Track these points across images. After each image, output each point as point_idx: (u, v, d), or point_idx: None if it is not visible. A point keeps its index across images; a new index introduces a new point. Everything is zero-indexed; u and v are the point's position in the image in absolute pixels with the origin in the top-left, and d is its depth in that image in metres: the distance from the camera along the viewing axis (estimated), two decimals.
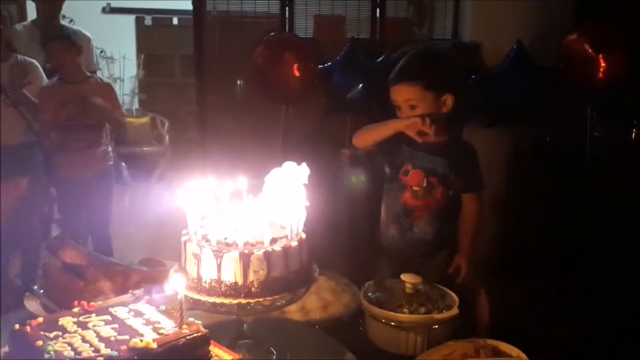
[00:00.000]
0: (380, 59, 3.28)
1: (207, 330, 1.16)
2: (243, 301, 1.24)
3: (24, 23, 3.78)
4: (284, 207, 1.34)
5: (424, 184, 1.98)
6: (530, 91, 3.01)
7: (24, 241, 3.34)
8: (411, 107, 1.94)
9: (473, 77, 3.17)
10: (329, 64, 3.33)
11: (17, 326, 1.10)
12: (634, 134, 3.13)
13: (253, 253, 1.24)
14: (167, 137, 6.24)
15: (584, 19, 3.09)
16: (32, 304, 1.63)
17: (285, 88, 3.20)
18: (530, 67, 3.05)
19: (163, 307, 1.24)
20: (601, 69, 2.80)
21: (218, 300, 1.25)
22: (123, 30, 6.58)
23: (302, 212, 1.34)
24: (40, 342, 1.04)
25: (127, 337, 1.09)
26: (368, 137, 2.08)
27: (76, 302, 1.23)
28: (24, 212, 3.25)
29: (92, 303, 1.23)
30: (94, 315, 1.18)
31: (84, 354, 1.02)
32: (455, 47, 3.41)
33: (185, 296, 1.23)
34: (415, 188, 1.99)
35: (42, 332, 1.09)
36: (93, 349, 1.05)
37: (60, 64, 3.07)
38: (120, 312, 1.21)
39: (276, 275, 1.26)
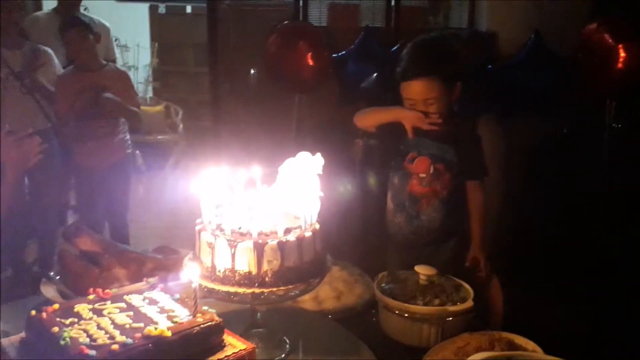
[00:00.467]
0: (395, 48, 3.25)
1: (221, 319, 1.17)
2: (257, 291, 1.24)
3: (45, 11, 3.79)
4: (298, 198, 1.34)
5: (431, 171, 1.97)
6: (547, 82, 2.97)
7: (41, 228, 3.38)
8: (429, 103, 1.92)
9: (489, 67, 3.12)
10: (343, 52, 3.31)
11: (33, 312, 1.11)
12: None
13: (267, 243, 1.24)
14: (180, 126, 6.27)
15: (602, 9, 3.03)
16: (48, 290, 1.65)
17: (299, 77, 3.18)
18: (548, 57, 3.00)
19: (177, 296, 1.24)
20: (620, 60, 2.74)
21: (232, 289, 1.25)
22: (137, 18, 6.59)
23: (316, 202, 1.34)
24: (56, 329, 1.06)
25: (141, 324, 1.10)
26: (369, 118, 2.10)
27: (91, 289, 1.24)
28: (40, 199, 3.28)
29: (107, 290, 1.24)
30: (109, 302, 1.19)
31: (99, 341, 1.03)
32: (471, 36, 3.37)
33: (200, 285, 1.23)
34: (422, 175, 1.98)
35: (58, 319, 1.10)
36: (108, 335, 1.05)
37: (76, 51, 3.08)
38: (135, 299, 1.22)
39: (290, 265, 1.26)
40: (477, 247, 1.99)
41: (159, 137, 6.10)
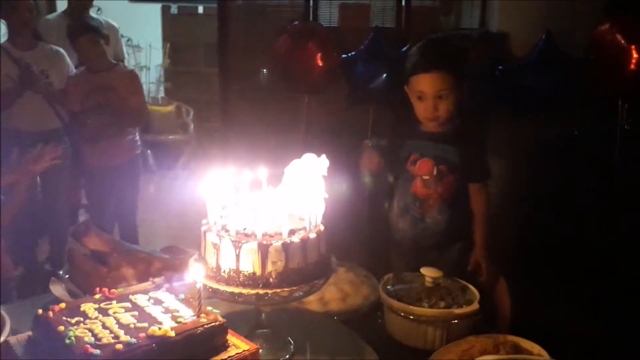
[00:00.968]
0: (405, 48, 3.24)
1: (224, 320, 1.18)
2: (261, 291, 1.24)
3: (56, 14, 3.83)
4: (303, 199, 1.34)
5: (434, 173, 1.96)
6: (558, 82, 2.94)
7: (52, 226, 3.42)
8: (439, 97, 1.91)
9: (500, 67, 3.10)
10: (353, 53, 3.31)
11: (40, 311, 1.13)
12: None
13: (271, 244, 1.25)
14: (191, 126, 6.31)
15: (614, 9, 2.99)
16: (57, 289, 1.66)
17: (308, 78, 3.18)
18: (560, 57, 2.97)
19: (182, 296, 1.25)
20: (633, 60, 2.71)
21: (236, 290, 1.25)
22: (149, 18, 6.63)
23: (321, 204, 1.34)
24: (62, 327, 1.07)
25: (146, 324, 1.11)
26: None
27: (98, 288, 1.26)
28: (52, 197, 3.32)
29: (113, 290, 1.26)
30: (114, 302, 1.21)
31: (104, 340, 1.04)
32: (482, 36, 3.35)
33: (204, 285, 1.24)
34: (425, 177, 1.97)
35: (64, 318, 1.12)
36: (113, 335, 1.07)
37: (88, 57, 3.11)
38: (141, 299, 1.23)
39: (294, 267, 1.27)
40: (479, 251, 1.97)
41: (170, 137, 6.14)
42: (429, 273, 1.60)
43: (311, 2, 3.60)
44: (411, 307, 1.51)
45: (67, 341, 1.02)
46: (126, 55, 4.59)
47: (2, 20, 3.30)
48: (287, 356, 1.38)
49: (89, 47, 3.07)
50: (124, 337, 1.05)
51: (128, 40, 6.40)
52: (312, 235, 1.30)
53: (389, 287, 1.63)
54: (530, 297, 2.15)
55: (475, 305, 1.53)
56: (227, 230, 1.29)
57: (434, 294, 1.57)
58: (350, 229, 2.80)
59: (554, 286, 2.65)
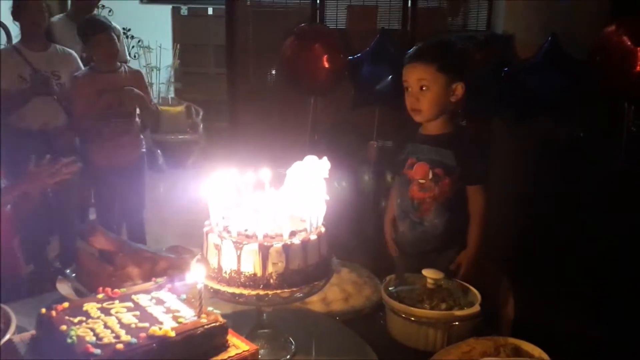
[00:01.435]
0: (411, 50, 3.24)
1: (225, 320, 1.19)
2: (261, 292, 1.26)
3: (58, 16, 3.87)
4: (304, 201, 1.35)
5: (430, 176, 1.96)
6: (564, 84, 2.93)
7: (62, 225, 3.45)
8: (421, 87, 1.92)
9: (505, 69, 3.09)
10: (359, 55, 3.31)
11: (43, 310, 1.15)
12: None
13: (272, 245, 1.26)
14: (201, 126, 6.34)
15: (620, 11, 2.97)
16: (63, 287, 1.69)
17: (314, 79, 3.19)
18: (565, 59, 2.95)
19: (184, 296, 1.27)
20: (639, 62, 2.69)
21: (237, 290, 1.27)
22: (160, 20, 6.68)
23: (322, 205, 1.35)
24: (64, 327, 1.09)
25: (147, 324, 1.13)
26: None
27: (101, 288, 1.28)
28: (62, 196, 3.36)
29: (116, 290, 1.28)
30: (117, 301, 1.23)
31: (105, 340, 1.06)
32: (487, 38, 3.34)
33: (206, 286, 1.26)
34: (422, 181, 1.98)
35: (67, 317, 1.14)
36: (114, 335, 1.08)
37: (104, 55, 3.13)
38: (143, 299, 1.25)
39: (294, 268, 1.28)
40: (467, 252, 1.97)
41: (180, 136, 6.18)
42: (430, 274, 1.60)
43: (318, 3, 3.61)
44: (412, 308, 1.51)
45: (69, 340, 1.04)
46: (128, 57, 4.62)
47: (16, 22, 3.34)
48: (288, 356, 1.40)
49: (105, 45, 3.09)
50: (124, 337, 1.07)
51: (139, 41, 6.46)
52: (313, 237, 1.31)
53: (391, 288, 1.64)
54: (532, 299, 2.15)
55: (476, 307, 1.53)
56: (228, 232, 1.31)
57: (435, 295, 1.57)
58: (354, 228, 2.82)
59: (556, 288, 2.64)
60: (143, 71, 5.46)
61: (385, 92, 3.11)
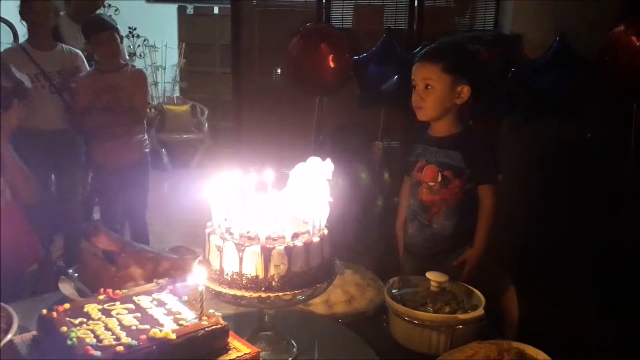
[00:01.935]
0: (417, 50, 3.23)
1: (226, 323, 1.18)
2: (263, 295, 1.25)
3: (60, 14, 3.87)
4: (307, 202, 1.34)
5: (439, 179, 1.96)
6: (572, 85, 2.91)
7: (65, 224, 3.46)
8: (426, 85, 1.93)
9: (513, 69, 3.07)
10: (365, 55, 3.30)
11: (44, 311, 1.14)
12: None
13: (274, 247, 1.25)
14: (206, 125, 6.36)
15: (629, 11, 2.94)
16: (66, 287, 1.69)
17: (320, 79, 3.19)
18: (573, 60, 2.93)
19: (185, 298, 1.26)
20: None
21: (239, 293, 1.26)
22: (166, 19, 6.70)
23: (325, 207, 1.34)
24: (64, 328, 1.08)
25: (148, 326, 1.12)
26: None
27: (102, 289, 1.27)
28: (66, 195, 3.37)
29: (118, 291, 1.27)
30: (118, 303, 1.22)
31: (105, 342, 1.05)
32: (495, 38, 3.32)
33: (207, 288, 1.25)
34: (431, 183, 1.98)
35: (67, 318, 1.13)
36: (114, 337, 1.08)
37: (107, 54, 3.14)
38: (144, 301, 1.24)
39: (297, 270, 1.27)
40: (472, 251, 1.96)
41: (185, 135, 6.20)
42: (434, 277, 1.59)
43: (324, 3, 3.59)
44: (415, 311, 1.50)
45: (69, 342, 1.03)
46: (127, 58, 4.62)
47: (23, 21, 3.35)
48: (290, 359, 1.39)
49: (109, 43, 3.10)
50: (125, 339, 1.06)
51: (144, 40, 6.48)
52: (316, 239, 1.30)
53: (394, 290, 1.62)
54: (537, 302, 2.13)
55: (480, 311, 1.51)
56: (230, 233, 1.30)
57: (439, 298, 1.56)
58: (359, 230, 2.81)
59: (562, 291, 2.62)
60: (148, 70, 5.50)
61: (391, 92, 3.10)
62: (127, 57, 4.62)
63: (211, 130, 6.32)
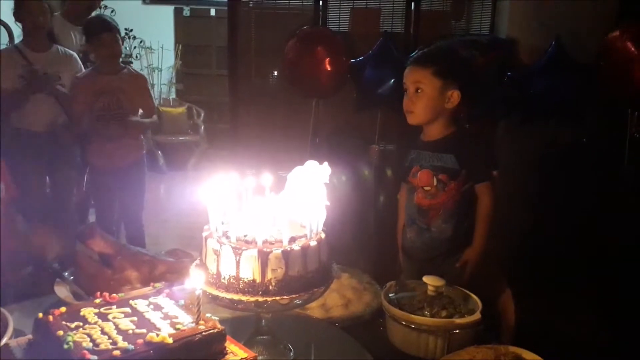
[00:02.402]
0: (414, 53, 3.23)
1: (223, 327, 1.18)
2: (260, 299, 1.24)
3: (55, 15, 3.86)
4: (304, 206, 1.34)
5: (435, 183, 1.97)
6: (567, 89, 2.92)
7: (61, 225, 3.44)
8: (416, 89, 1.94)
9: (509, 73, 3.09)
10: (361, 58, 3.30)
11: (40, 315, 1.14)
12: None
13: (271, 251, 1.24)
14: (202, 127, 6.35)
15: (624, 16, 2.96)
16: (62, 290, 1.68)
17: (317, 82, 3.19)
18: (569, 64, 2.95)
19: (182, 302, 1.26)
20: None
21: (236, 297, 1.25)
22: (162, 20, 6.69)
23: (323, 211, 1.34)
24: (61, 332, 1.08)
25: (144, 330, 1.11)
26: None
27: (98, 293, 1.27)
28: (61, 197, 3.36)
29: (114, 295, 1.26)
30: (114, 307, 1.21)
31: (102, 346, 1.05)
32: (491, 42, 3.33)
33: (204, 292, 1.24)
34: (427, 188, 1.99)
35: (63, 322, 1.12)
36: (111, 341, 1.07)
37: (107, 55, 3.12)
38: (141, 305, 1.23)
39: (294, 274, 1.26)
40: (472, 250, 1.97)
41: (181, 138, 6.19)
42: (431, 281, 1.59)
43: (321, 6, 3.60)
44: (412, 315, 1.50)
45: (66, 346, 1.03)
46: (130, 59, 4.62)
47: (17, 22, 3.34)
48: None
49: (110, 45, 3.08)
50: (121, 343, 1.06)
51: (141, 41, 6.46)
52: (313, 243, 1.30)
53: (391, 294, 1.62)
54: (537, 304, 2.13)
55: (477, 315, 1.51)
56: (227, 237, 1.30)
57: (436, 302, 1.56)
58: (356, 233, 2.81)
59: (559, 294, 2.63)
60: (144, 72, 5.48)
61: (388, 95, 3.10)
62: (127, 59, 4.62)
63: (207, 133, 6.31)
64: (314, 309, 1.64)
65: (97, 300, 1.23)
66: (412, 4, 3.53)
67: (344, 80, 3.26)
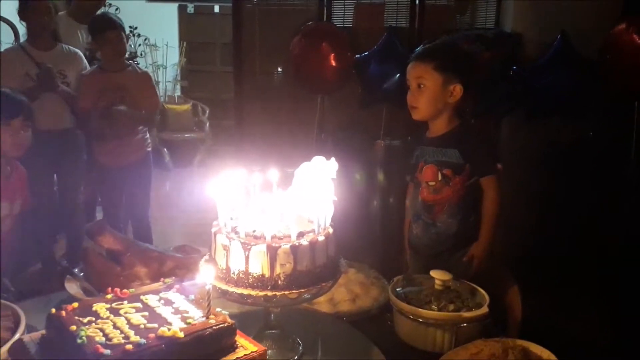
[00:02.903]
0: (418, 49, 3.23)
1: (233, 321, 1.19)
2: (269, 293, 1.26)
3: (60, 13, 3.87)
4: (312, 202, 1.35)
5: (439, 178, 1.97)
6: (573, 84, 2.91)
7: (69, 222, 3.47)
8: (419, 85, 1.95)
9: (514, 68, 3.08)
10: (366, 53, 3.30)
11: (53, 310, 1.15)
12: None
13: (280, 246, 1.26)
14: (207, 124, 6.36)
15: (630, 10, 2.95)
16: (72, 287, 1.70)
17: (322, 78, 3.19)
18: (574, 58, 2.94)
19: (192, 297, 1.27)
20: None
21: (245, 291, 1.27)
22: (166, 18, 6.70)
23: (330, 206, 1.35)
24: (74, 327, 1.09)
25: (156, 325, 1.13)
26: None
27: (110, 288, 1.28)
28: (68, 194, 3.38)
29: (125, 290, 1.28)
30: (126, 302, 1.23)
31: (115, 340, 1.06)
32: (496, 36, 3.32)
33: (214, 286, 1.26)
34: (431, 183, 1.99)
35: (76, 317, 1.14)
36: (123, 335, 1.09)
37: (112, 53, 3.14)
38: (151, 300, 1.25)
39: (302, 269, 1.28)
40: (480, 246, 1.96)
41: (186, 135, 6.21)
42: (438, 276, 1.60)
43: (325, 1, 3.60)
44: (420, 309, 1.51)
45: (79, 341, 1.04)
46: (136, 56, 4.62)
47: (22, 22, 3.36)
48: (296, 357, 1.40)
49: (115, 42, 3.10)
50: (134, 338, 1.07)
51: (145, 39, 6.47)
52: (321, 238, 1.31)
53: (398, 289, 1.63)
54: (540, 300, 2.14)
55: (484, 309, 1.52)
56: (236, 232, 1.31)
57: (443, 296, 1.57)
58: (362, 229, 2.81)
59: (565, 289, 2.63)
60: (149, 69, 5.50)
61: (393, 91, 3.09)
62: (134, 56, 4.63)
63: (212, 129, 6.32)
64: (322, 304, 1.65)
65: (109, 296, 1.25)
66: None
67: (349, 76, 3.26)
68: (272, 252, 1.25)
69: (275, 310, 1.39)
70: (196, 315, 1.19)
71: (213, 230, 1.35)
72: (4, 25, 5.08)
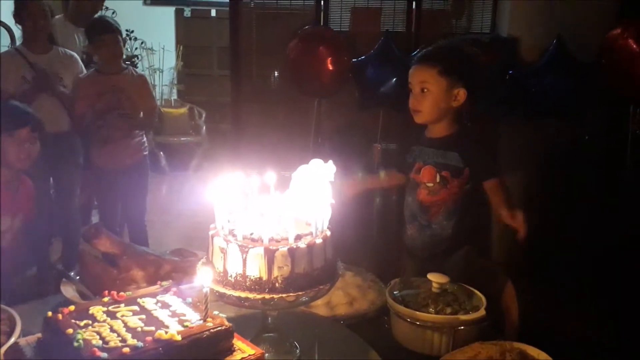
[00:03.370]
0: (415, 52, 3.24)
1: (230, 324, 1.19)
2: (267, 296, 1.25)
3: (57, 17, 3.86)
4: (309, 204, 1.35)
5: (437, 180, 1.97)
6: (569, 87, 2.93)
7: (64, 226, 3.46)
8: (422, 89, 1.94)
9: (510, 72, 3.09)
10: (363, 57, 3.32)
11: (49, 313, 1.15)
12: None
13: (277, 249, 1.26)
14: (204, 128, 6.36)
15: (626, 14, 2.97)
16: (68, 290, 1.69)
17: (319, 81, 3.21)
18: (570, 62, 2.96)
19: (190, 300, 1.27)
20: None
21: (243, 294, 1.26)
22: (163, 21, 6.70)
23: (328, 209, 1.35)
24: (70, 330, 1.09)
25: (153, 328, 1.12)
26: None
27: (106, 291, 1.27)
28: (64, 197, 3.36)
29: (122, 293, 1.27)
30: (122, 305, 1.22)
31: (111, 344, 1.06)
32: (492, 41, 3.34)
33: (212, 289, 1.25)
34: (429, 184, 1.98)
35: (73, 320, 1.13)
36: (120, 338, 1.08)
37: (109, 56, 3.14)
38: (148, 303, 1.24)
39: (300, 272, 1.27)
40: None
41: (183, 138, 6.20)
42: (435, 279, 1.60)
43: (322, 6, 3.61)
44: (417, 312, 1.51)
45: (75, 344, 1.04)
46: (132, 60, 4.62)
47: (18, 25, 3.35)
48: None
49: (111, 46, 3.10)
50: (131, 341, 1.07)
51: (142, 42, 6.48)
52: (319, 241, 1.31)
53: (395, 292, 1.63)
54: (540, 302, 2.14)
55: (481, 312, 1.52)
56: (234, 235, 1.31)
57: (440, 299, 1.57)
58: (358, 232, 2.81)
59: (562, 291, 2.64)
60: (146, 73, 5.49)
61: (390, 95, 3.11)
62: (132, 60, 4.62)
63: (209, 133, 6.32)
64: (319, 307, 1.65)
65: (106, 299, 1.24)
66: (413, 3, 3.54)
67: (346, 80, 3.27)
68: (270, 255, 1.25)
69: (272, 313, 1.39)
70: (193, 318, 1.18)
71: (210, 233, 1.35)
72: (1, 29, 5.08)
